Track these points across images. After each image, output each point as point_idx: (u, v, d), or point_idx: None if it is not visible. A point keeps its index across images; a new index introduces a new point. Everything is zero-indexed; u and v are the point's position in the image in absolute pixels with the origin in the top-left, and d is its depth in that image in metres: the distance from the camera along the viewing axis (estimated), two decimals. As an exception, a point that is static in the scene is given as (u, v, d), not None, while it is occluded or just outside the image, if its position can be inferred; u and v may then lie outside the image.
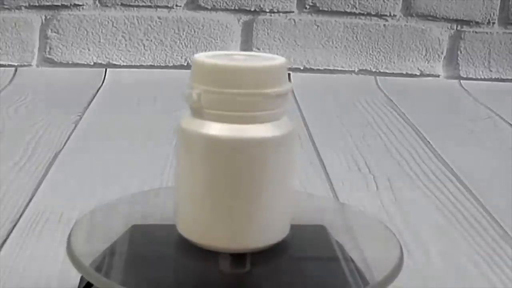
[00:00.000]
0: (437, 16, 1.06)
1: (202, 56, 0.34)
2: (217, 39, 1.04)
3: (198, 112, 0.34)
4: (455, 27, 1.07)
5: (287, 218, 0.36)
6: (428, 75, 1.08)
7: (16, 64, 1.01)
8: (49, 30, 1.01)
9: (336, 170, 0.66)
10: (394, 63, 1.07)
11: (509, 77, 1.09)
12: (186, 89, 0.34)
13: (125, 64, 1.03)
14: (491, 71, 1.09)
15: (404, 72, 1.08)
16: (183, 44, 1.04)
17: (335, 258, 0.37)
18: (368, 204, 0.58)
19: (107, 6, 1.01)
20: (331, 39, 1.05)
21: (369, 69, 1.07)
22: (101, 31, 1.02)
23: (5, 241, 0.49)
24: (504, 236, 0.53)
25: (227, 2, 1.03)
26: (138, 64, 1.03)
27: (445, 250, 0.51)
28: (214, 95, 0.33)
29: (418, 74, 1.08)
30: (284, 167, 0.35)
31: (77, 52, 1.02)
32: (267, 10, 1.03)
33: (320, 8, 1.04)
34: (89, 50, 1.02)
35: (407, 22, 1.06)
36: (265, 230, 0.35)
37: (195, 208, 0.35)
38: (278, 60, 0.35)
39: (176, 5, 1.03)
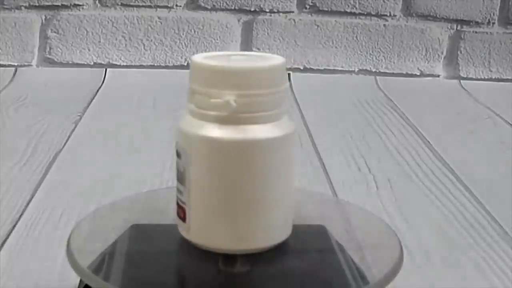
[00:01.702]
0: (437, 16, 1.06)
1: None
2: (217, 39, 1.04)
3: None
4: (455, 27, 1.07)
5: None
6: (428, 75, 1.08)
7: (16, 64, 1.01)
8: (49, 30, 1.01)
9: (336, 170, 0.66)
10: (394, 63, 1.07)
11: (509, 77, 1.09)
12: (213, 98, 0.33)
13: (125, 64, 1.03)
14: (491, 71, 1.09)
15: (404, 72, 1.08)
16: (183, 44, 1.04)
17: (335, 258, 0.37)
18: (368, 204, 0.58)
19: (107, 6, 1.01)
20: (331, 39, 1.05)
21: (369, 69, 1.07)
22: (101, 31, 1.02)
23: (5, 241, 0.49)
24: (504, 236, 0.53)
25: (227, 2, 1.03)
26: (138, 64, 1.03)
27: (445, 250, 0.51)
28: (248, 98, 0.33)
29: (418, 74, 1.08)
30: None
31: (77, 52, 1.02)
32: (267, 10, 1.03)
33: (320, 8, 1.04)
34: (89, 50, 1.02)
35: (407, 22, 1.06)
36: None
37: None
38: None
39: (176, 5, 1.03)
